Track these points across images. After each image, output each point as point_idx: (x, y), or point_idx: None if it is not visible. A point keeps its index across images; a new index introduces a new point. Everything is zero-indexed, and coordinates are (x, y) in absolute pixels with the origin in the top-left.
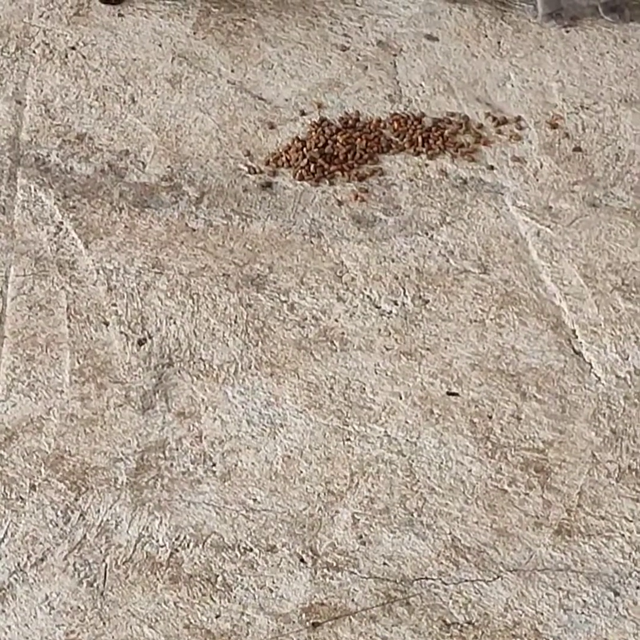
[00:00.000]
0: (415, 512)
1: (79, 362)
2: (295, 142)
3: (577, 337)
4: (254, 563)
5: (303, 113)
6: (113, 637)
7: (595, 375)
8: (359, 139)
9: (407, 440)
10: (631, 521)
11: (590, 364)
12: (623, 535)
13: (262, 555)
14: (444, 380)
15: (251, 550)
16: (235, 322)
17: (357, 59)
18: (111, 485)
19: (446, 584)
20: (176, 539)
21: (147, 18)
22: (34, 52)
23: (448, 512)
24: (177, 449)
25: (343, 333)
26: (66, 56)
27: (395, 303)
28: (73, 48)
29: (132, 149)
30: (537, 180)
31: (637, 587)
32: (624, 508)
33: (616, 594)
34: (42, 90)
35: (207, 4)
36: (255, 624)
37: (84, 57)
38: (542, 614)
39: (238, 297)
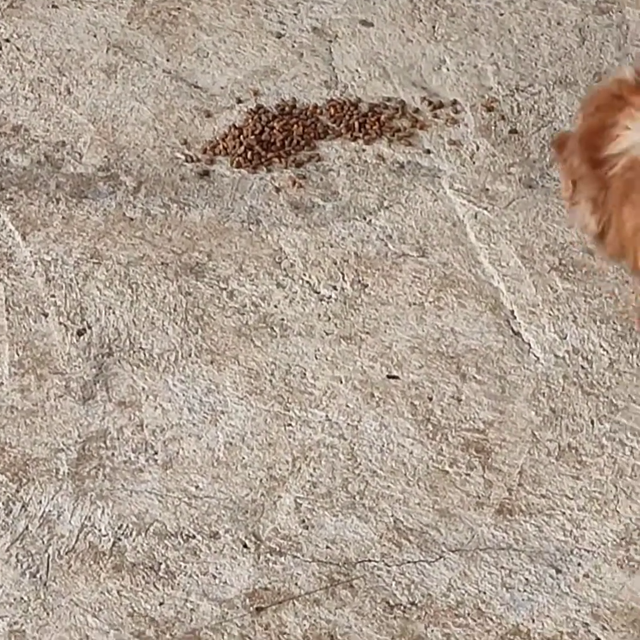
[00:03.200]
0: (357, 495)
1: (18, 354)
2: (232, 129)
3: (515, 317)
4: (197, 550)
5: (239, 101)
6: (57, 628)
7: (534, 355)
8: (295, 126)
9: (348, 424)
10: (571, 499)
11: (529, 344)
12: (564, 513)
13: (205, 541)
14: (384, 363)
15: (194, 537)
16: (175, 310)
17: (293, 46)
18: (53, 476)
19: (389, 566)
20: (119, 528)
21: (81, 9)
22: None
23: (390, 494)
24: (118, 439)
25: (283, 319)
26: (0, 48)
27: (335, 288)
28: (7, 40)
29: (69, 140)
30: (474, 162)
31: (579, 564)
32: (565, 486)
33: (558, 571)
34: None
35: None
36: (199, 611)
37: (18, 49)
38: (484, 593)
39: (177, 285)
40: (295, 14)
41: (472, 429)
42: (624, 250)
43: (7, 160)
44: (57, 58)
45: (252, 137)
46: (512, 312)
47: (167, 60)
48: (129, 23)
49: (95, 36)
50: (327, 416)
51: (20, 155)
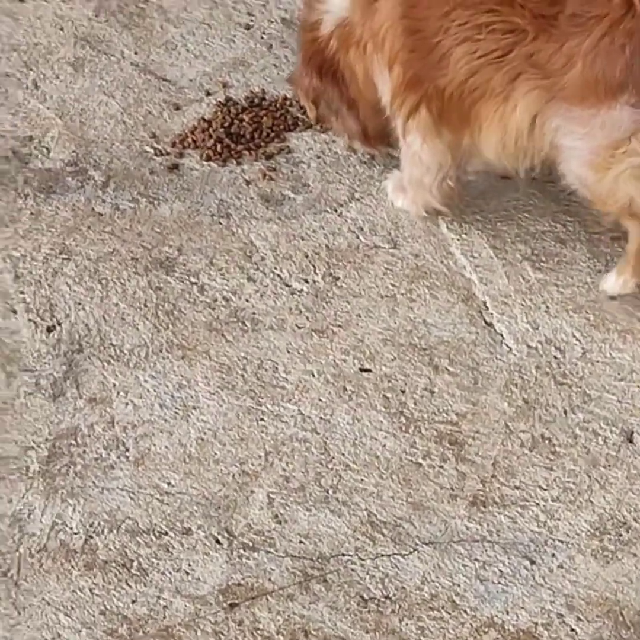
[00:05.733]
0: (330, 489)
1: None
2: (201, 122)
3: (488, 308)
4: (169, 546)
5: (208, 93)
6: (28, 627)
7: (507, 346)
8: (265, 118)
9: (320, 417)
10: (545, 490)
11: (501, 335)
12: (537, 504)
13: (178, 538)
14: (356, 356)
15: (166, 533)
16: (145, 305)
17: (262, 37)
18: (23, 474)
19: (363, 560)
20: (90, 526)
21: (47, 2)
22: None
23: (363, 488)
24: (89, 436)
25: (254, 313)
26: None
27: (306, 281)
28: None
29: (36, 134)
30: None
31: (553, 555)
32: (538, 477)
33: (532, 562)
34: None
35: None
36: (172, 608)
37: None
38: (458, 585)
39: (147, 280)
40: (263, 5)
41: (445, 421)
42: (373, 115)
43: None
44: (24, 52)
45: (222, 129)
46: (485, 303)
47: (135, 53)
48: (97, 16)
49: (62, 30)
50: (299, 410)
51: None
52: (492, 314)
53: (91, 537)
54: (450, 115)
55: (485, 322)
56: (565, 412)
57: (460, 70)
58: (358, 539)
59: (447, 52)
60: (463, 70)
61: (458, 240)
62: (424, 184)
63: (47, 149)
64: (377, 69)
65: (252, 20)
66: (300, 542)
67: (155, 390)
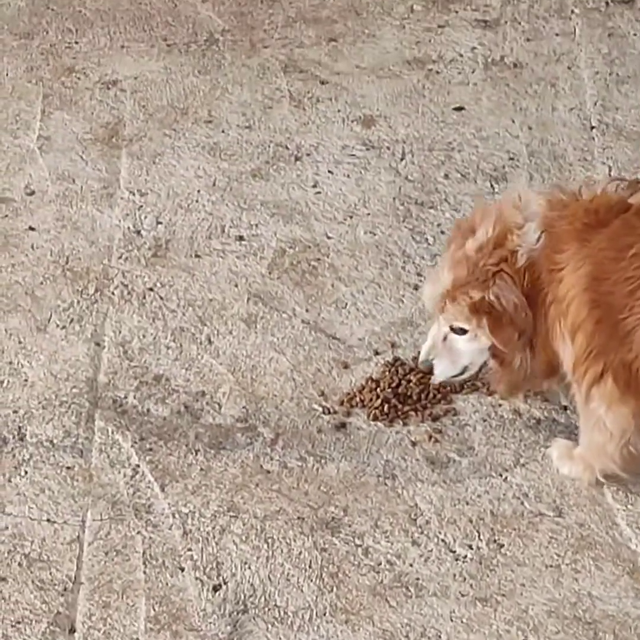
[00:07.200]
0: None
1: (154, 609)
2: (369, 382)
3: None
4: None
5: (377, 352)
6: None
7: None
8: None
9: None
10: None
11: None
12: None
13: None
14: (520, 627)
15: None
16: (310, 567)
17: None
18: None
19: None
20: None
21: (223, 259)
22: (112, 293)
23: None
24: None
25: (418, 578)
26: (144, 297)
27: (470, 547)
28: (151, 289)
29: (208, 389)
30: None
31: None
32: None
33: None
34: (120, 332)
35: (282, 244)
36: None
37: (161, 298)
38: None
39: (313, 541)
40: (433, 266)
41: None
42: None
43: (148, 410)
44: (199, 307)
45: (389, 389)
46: None
47: (306, 310)
48: (270, 273)
49: (236, 286)
50: None
51: (160, 405)
52: None
53: None
54: (637, 387)
55: None
56: None
57: None
58: None
59: (633, 329)
60: None
61: (624, 510)
62: (605, 451)
63: (218, 404)
64: (559, 334)
65: (421, 281)
66: None
67: None
